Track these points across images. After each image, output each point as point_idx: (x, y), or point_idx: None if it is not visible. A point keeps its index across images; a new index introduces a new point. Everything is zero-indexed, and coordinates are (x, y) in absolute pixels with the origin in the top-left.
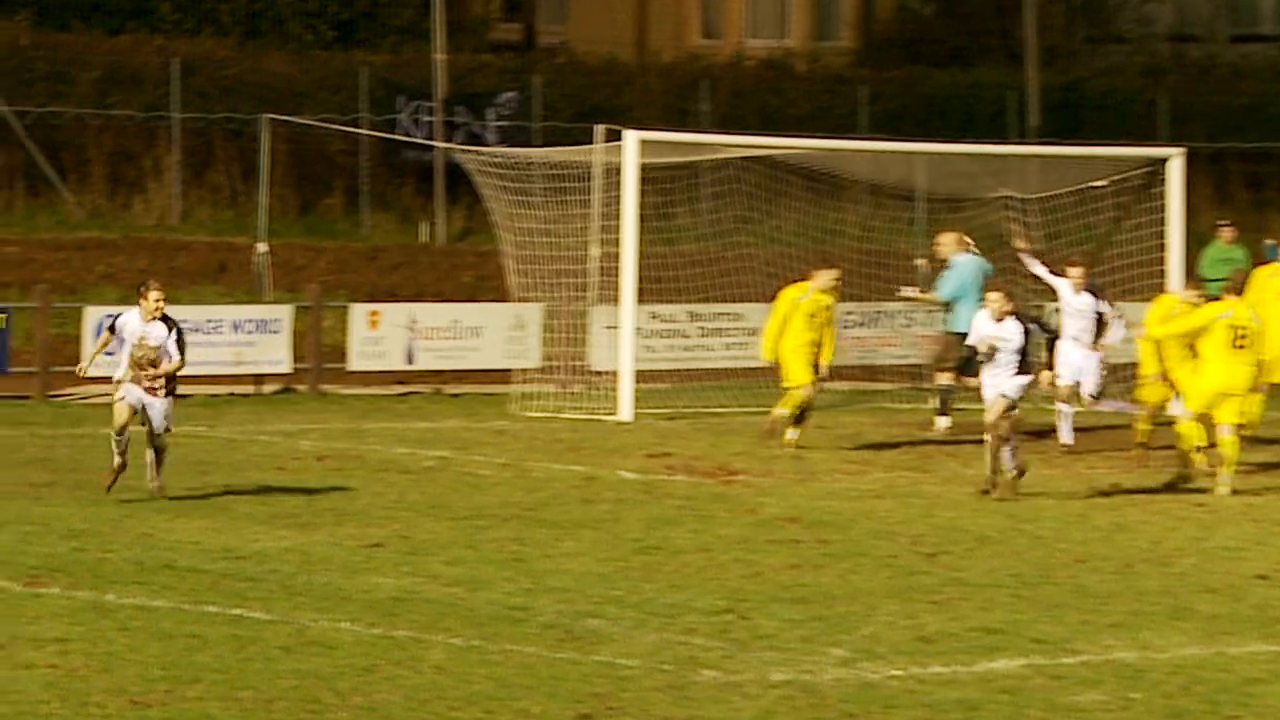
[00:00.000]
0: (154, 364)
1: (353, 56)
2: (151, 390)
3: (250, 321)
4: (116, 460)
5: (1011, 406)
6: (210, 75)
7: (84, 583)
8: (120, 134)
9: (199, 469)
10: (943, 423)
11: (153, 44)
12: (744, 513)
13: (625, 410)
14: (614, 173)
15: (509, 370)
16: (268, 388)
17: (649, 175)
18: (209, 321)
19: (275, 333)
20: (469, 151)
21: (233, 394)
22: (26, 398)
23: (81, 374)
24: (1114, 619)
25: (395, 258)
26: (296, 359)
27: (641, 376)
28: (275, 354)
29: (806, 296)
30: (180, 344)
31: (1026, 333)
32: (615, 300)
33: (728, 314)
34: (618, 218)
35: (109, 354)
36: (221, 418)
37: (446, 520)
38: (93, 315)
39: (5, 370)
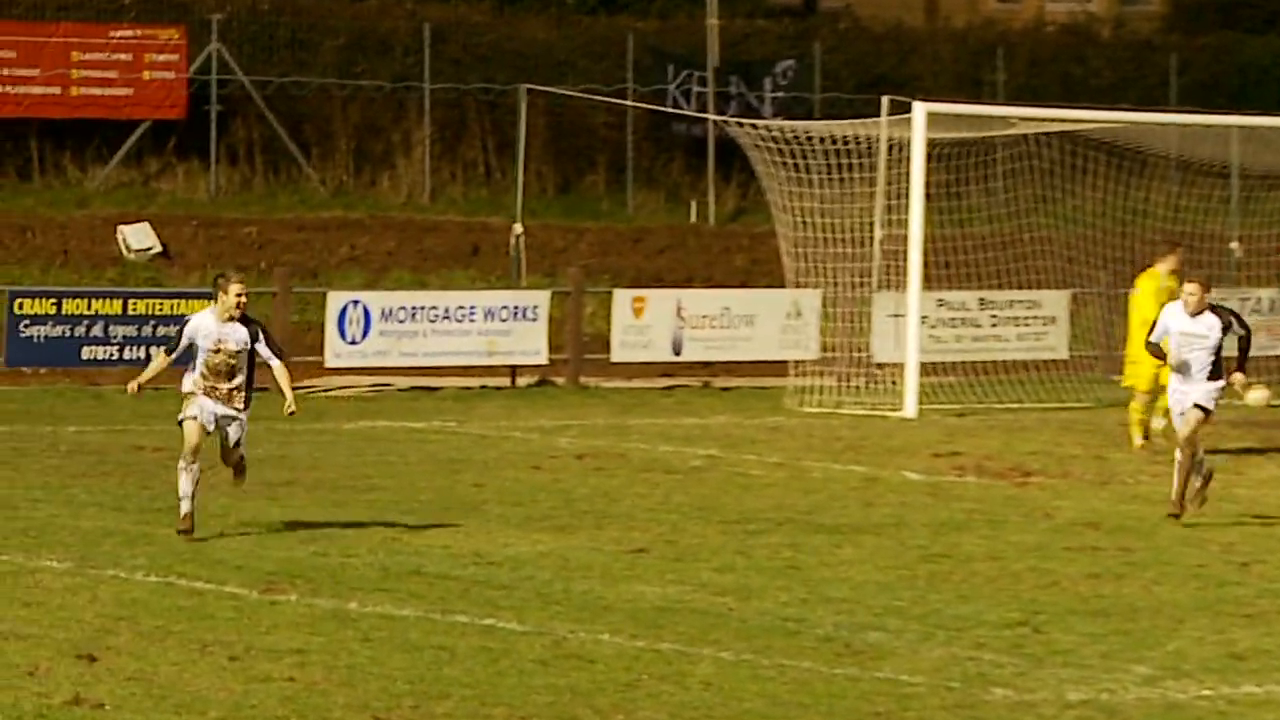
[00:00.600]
0: (232, 373)
1: (618, 22)
2: (229, 400)
3: (505, 308)
4: (185, 507)
5: (1205, 418)
6: (464, 42)
7: (324, 589)
8: (367, 105)
9: (449, 467)
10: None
11: (402, 8)
12: (1039, 517)
13: (910, 406)
14: (900, 148)
15: (784, 362)
16: (523, 380)
17: (938, 150)
18: (460, 308)
19: (532, 321)
20: (743, 124)
21: (485, 387)
22: (264, 389)
23: (132, 394)
24: None
25: (662, 240)
26: (554, 349)
27: (928, 369)
28: (531, 344)
29: (1163, 283)
30: (273, 344)
31: (1224, 329)
32: (900, 286)
33: (1023, 301)
34: (904, 197)
35: (182, 362)
36: (473, 412)
37: (715, 524)
38: (336, 300)
39: None
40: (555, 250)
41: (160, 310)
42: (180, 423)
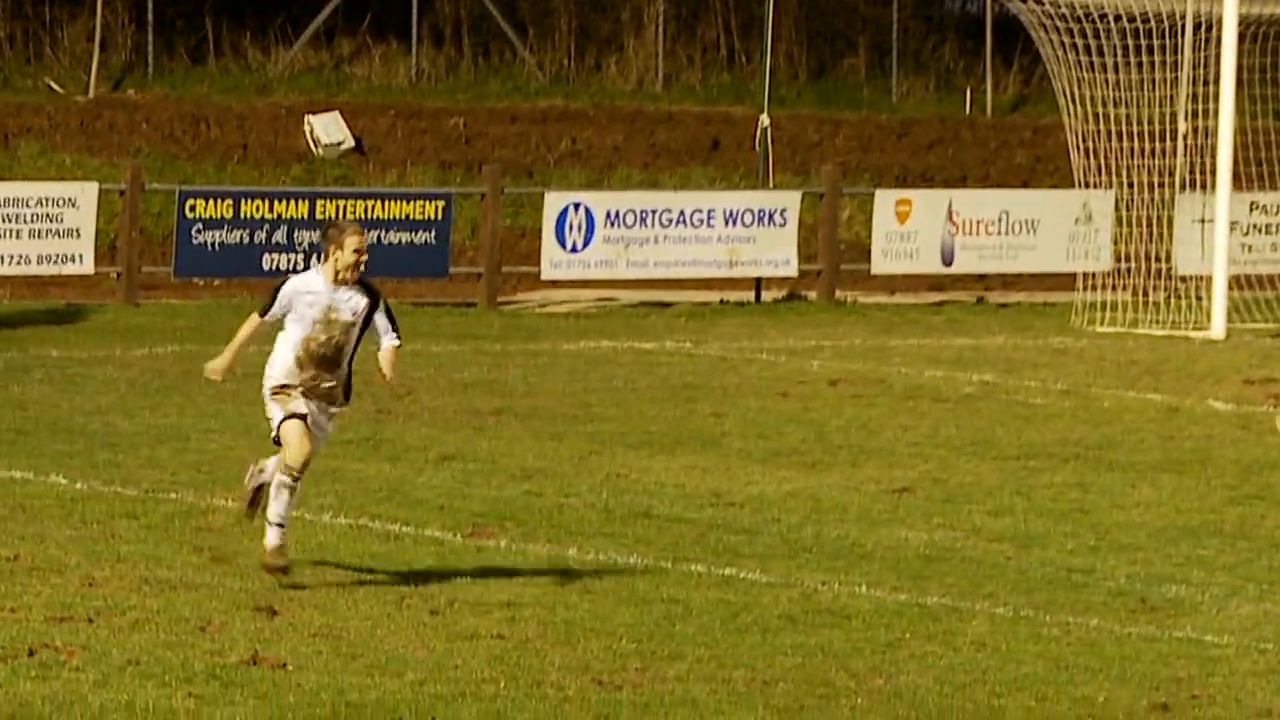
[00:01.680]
0: (338, 358)
1: None
2: (329, 402)
3: (748, 212)
4: (277, 537)
5: None
6: None
7: (539, 534)
8: None
9: (683, 394)
10: None
11: None
12: None
13: (1218, 325)
14: (1209, 26)
15: (1071, 274)
16: (769, 294)
17: (1252, 29)
18: (696, 212)
19: (780, 226)
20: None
21: (725, 301)
22: (471, 305)
23: (216, 377)
24: None
25: (931, 133)
26: (805, 259)
27: (1239, 282)
28: (779, 252)
29: None
30: (392, 319)
31: None
32: (1207, 187)
33: None
34: (1212, 83)
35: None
36: (710, 331)
37: (991, 460)
38: (554, 202)
39: (445, 272)
40: (808, 145)
41: (353, 213)
42: (278, 430)
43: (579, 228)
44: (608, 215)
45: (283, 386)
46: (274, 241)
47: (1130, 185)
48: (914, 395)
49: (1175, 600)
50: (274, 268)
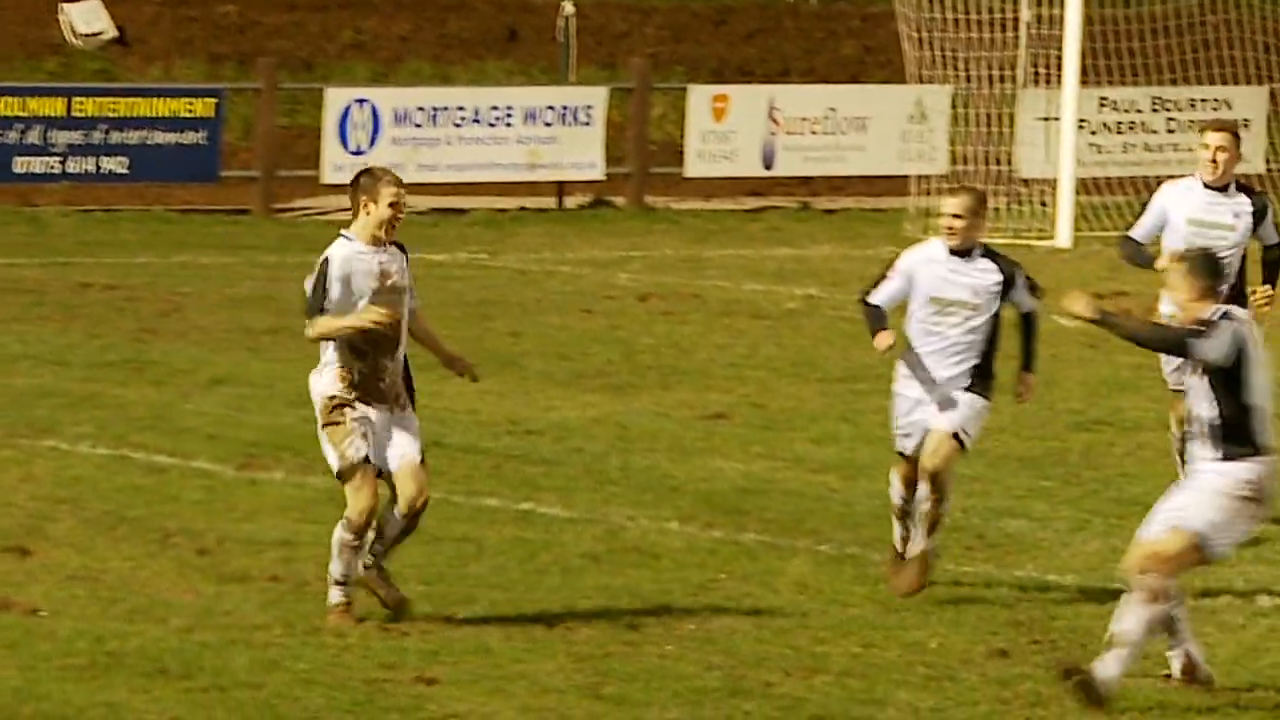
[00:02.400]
0: (398, 336)
1: None
2: (393, 388)
3: (550, 110)
4: (340, 595)
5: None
6: None
7: (318, 466)
8: None
9: (478, 311)
10: None
11: None
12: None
13: (1064, 233)
14: None
15: (904, 177)
16: (573, 200)
17: None
18: (492, 110)
19: (584, 125)
20: None
21: (525, 209)
22: (245, 212)
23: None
24: None
25: (750, 22)
26: (612, 161)
27: (1087, 186)
28: (584, 154)
29: None
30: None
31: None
32: (1053, 81)
33: (1208, 100)
34: None
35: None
36: (508, 241)
37: (814, 383)
38: (336, 99)
39: (216, 176)
40: (614, 35)
41: (114, 111)
42: (340, 476)
43: (363, 127)
44: (394, 113)
45: (336, 403)
46: (27, 142)
47: (968, 79)
48: (731, 311)
49: (1015, 536)
50: (27, 171)
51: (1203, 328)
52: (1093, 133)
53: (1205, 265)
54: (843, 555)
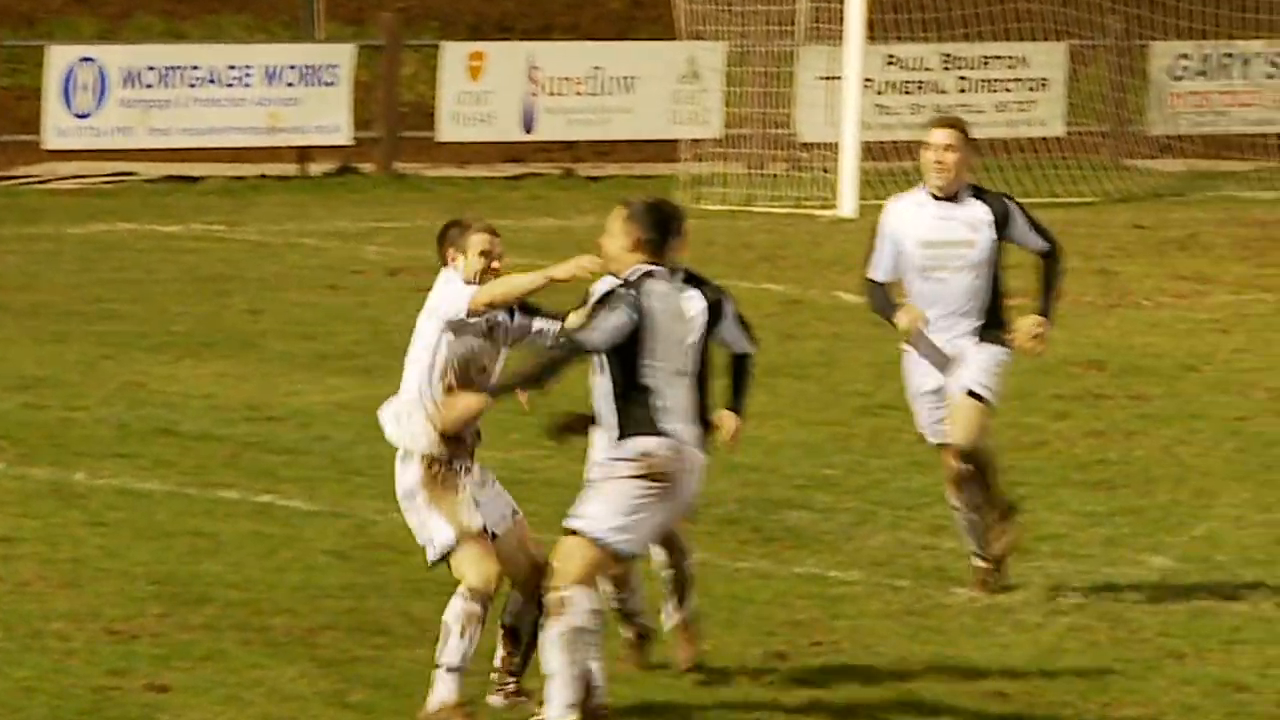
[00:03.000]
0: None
1: None
2: (472, 452)
3: (292, 69)
4: (441, 698)
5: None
6: None
7: (40, 455)
8: None
9: (213, 287)
10: None
11: None
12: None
13: (848, 202)
14: None
15: (674, 142)
16: (317, 167)
17: None
18: (230, 69)
19: (329, 85)
20: None
21: (265, 176)
22: None
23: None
24: None
25: None
26: (360, 125)
27: (871, 151)
28: (329, 117)
29: None
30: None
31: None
32: (835, 37)
33: (1002, 58)
34: None
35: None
36: (247, 211)
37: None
38: (59, 59)
39: None
40: None
41: None
42: (442, 556)
43: (89, 88)
44: (123, 73)
45: (438, 465)
46: None
47: (744, 35)
48: None
49: (795, 529)
50: None
51: (603, 303)
52: (878, 93)
53: (646, 215)
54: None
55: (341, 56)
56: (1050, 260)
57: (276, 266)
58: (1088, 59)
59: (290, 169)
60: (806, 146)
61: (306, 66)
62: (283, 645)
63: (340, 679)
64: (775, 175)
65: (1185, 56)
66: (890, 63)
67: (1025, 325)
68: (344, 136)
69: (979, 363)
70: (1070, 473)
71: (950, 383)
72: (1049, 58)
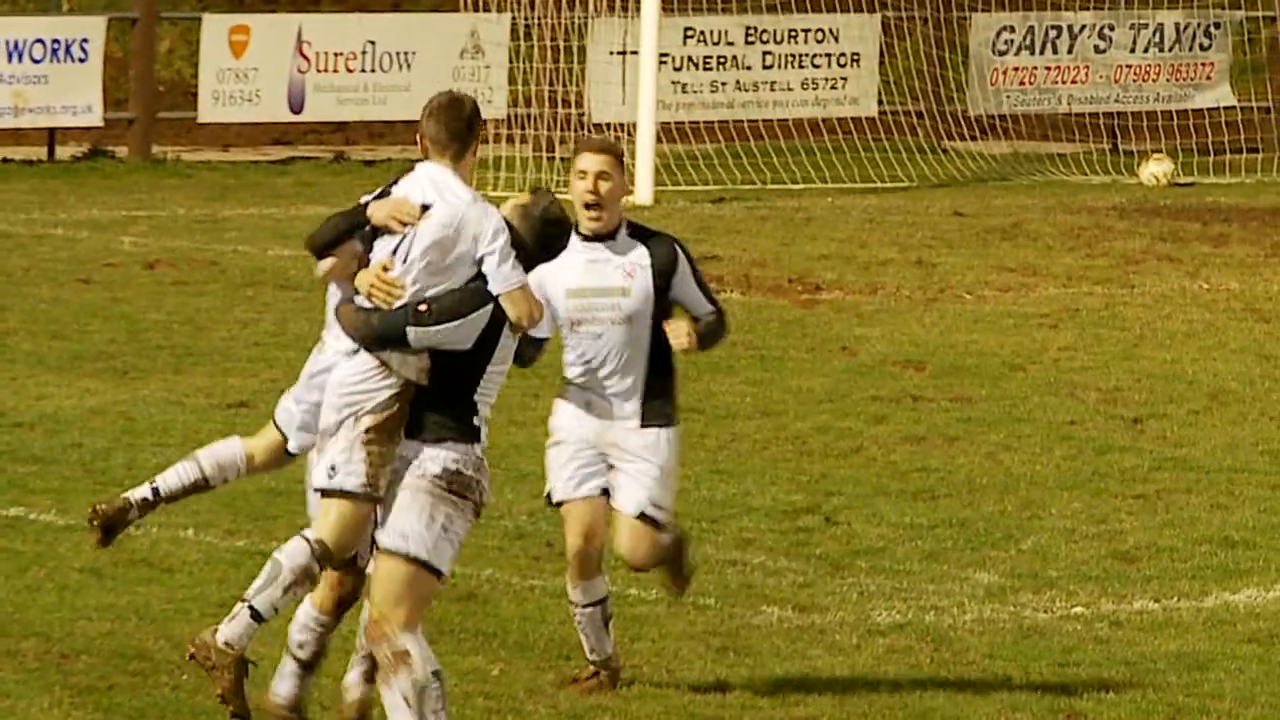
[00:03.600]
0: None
1: None
2: None
3: (38, 44)
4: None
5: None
6: None
7: None
8: None
9: None
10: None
11: None
12: (835, 352)
13: (644, 188)
14: None
15: None
16: (66, 150)
17: None
18: None
19: (79, 61)
20: None
21: (8, 160)
22: None
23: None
24: None
25: None
26: (112, 104)
27: (670, 132)
28: (79, 96)
29: None
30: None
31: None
32: (630, 8)
33: (811, 30)
34: None
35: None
36: None
37: None
38: None
39: None
40: None
41: None
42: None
43: None
44: None
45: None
46: None
47: (531, 6)
48: (255, 281)
49: None
50: None
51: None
52: (676, 69)
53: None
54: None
55: (92, 30)
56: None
57: (22, 260)
58: (903, 32)
59: (37, 152)
60: (599, 127)
61: (53, 41)
62: (34, 672)
63: (96, 708)
64: (565, 159)
65: (1008, 29)
66: (689, 36)
67: (681, 327)
68: (95, 117)
69: (646, 475)
70: (888, 482)
71: (617, 498)
72: (861, 31)
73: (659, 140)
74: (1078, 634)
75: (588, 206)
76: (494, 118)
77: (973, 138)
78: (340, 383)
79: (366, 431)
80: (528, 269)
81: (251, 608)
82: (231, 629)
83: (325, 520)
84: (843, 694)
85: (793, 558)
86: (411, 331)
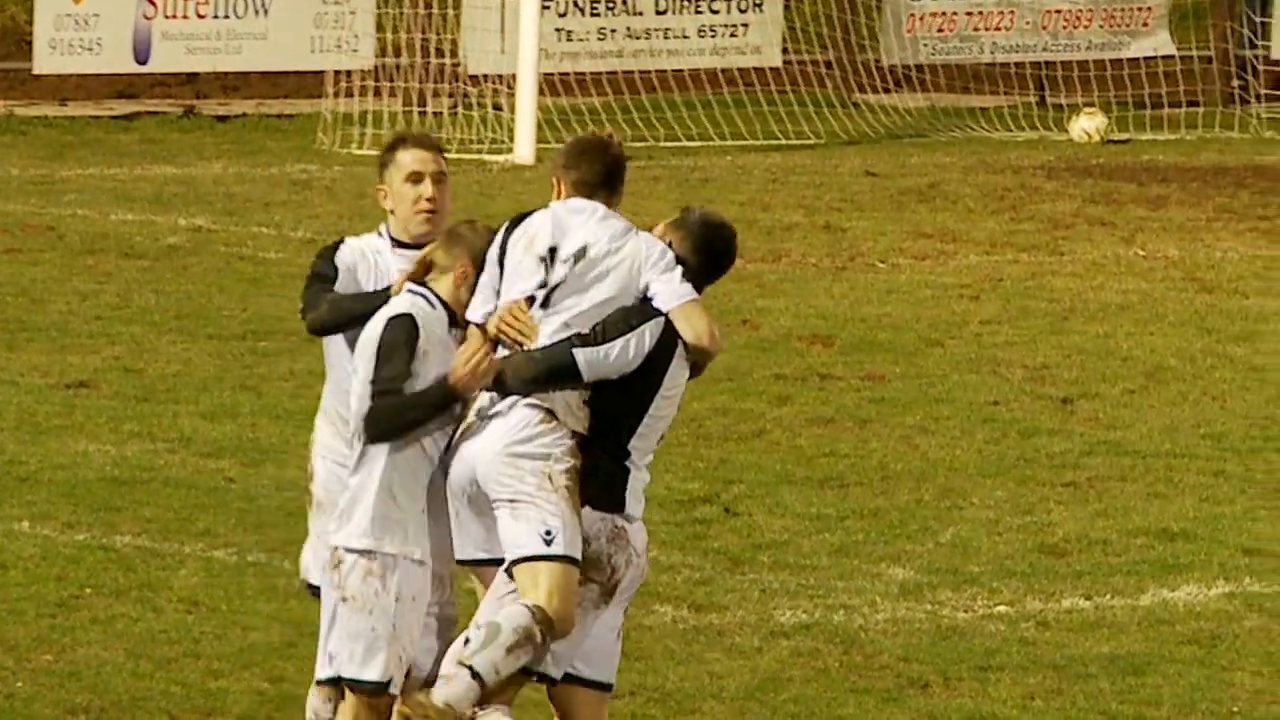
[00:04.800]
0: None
1: None
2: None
3: None
4: None
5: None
6: None
7: None
8: None
9: None
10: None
11: None
12: (734, 326)
13: (525, 145)
14: None
15: (318, 74)
16: None
17: None
18: None
19: None
20: None
21: None
22: None
23: None
24: None
25: None
26: None
27: (554, 85)
28: None
29: None
30: None
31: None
32: None
33: None
34: None
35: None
36: None
37: (205, 340)
38: None
39: None
40: None
41: None
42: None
43: None
44: None
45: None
46: None
47: None
48: (95, 249)
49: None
50: None
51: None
52: (561, 14)
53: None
54: (244, 563)
55: None
56: None
57: None
58: None
59: None
60: (475, 80)
61: None
62: None
63: None
64: (438, 114)
65: None
66: None
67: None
68: None
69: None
70: (793, 468)
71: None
72: None
73: (541, 93)
74: (1001, 635)
75: (422, 215)
76: (360, 69)
77: (886, 90)
78: (502, 451)
79: (567, 487)
80: (699, 286)
81: (471, 669)
82: (451, 690)
83: (539, 590)
84: (743, 701)
85: (689, 552)
86: (581, 354)
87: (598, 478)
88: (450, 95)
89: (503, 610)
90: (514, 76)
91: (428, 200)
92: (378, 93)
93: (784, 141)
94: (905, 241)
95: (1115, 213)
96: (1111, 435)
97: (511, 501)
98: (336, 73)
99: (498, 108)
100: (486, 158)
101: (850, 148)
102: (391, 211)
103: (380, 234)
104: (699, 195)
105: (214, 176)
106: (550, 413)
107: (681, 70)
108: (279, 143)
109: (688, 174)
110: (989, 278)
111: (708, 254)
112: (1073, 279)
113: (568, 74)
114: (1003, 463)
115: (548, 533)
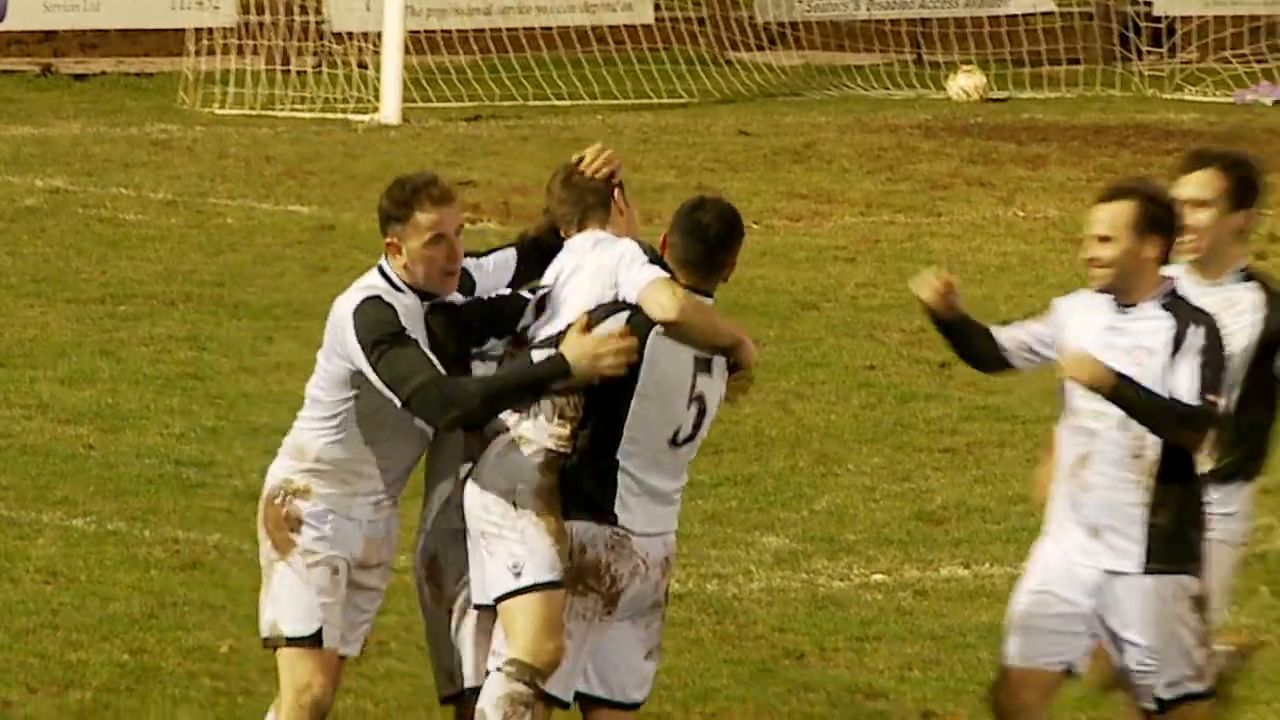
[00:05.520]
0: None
1: None
2: None
3: None
4: None
5: None
6: None
7: None
8: None
9: None
10: None
11: None
12: None
13: (391, 105)
14: None
15: (178, 31)
16: None
17: None
18: None
19: None
20: None
21: None
22: None
23: None
24: None
25: None
26: None
27: (419, 42)
28: None
29: None
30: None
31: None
32: None
33: None
34: None
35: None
36: None
37: (63, 303)
38: None
39: None
40: None
41: None
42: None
43: None
44: None
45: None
46: None
47: None
48: None
49: None
50: None
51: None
52: None
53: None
54: (104, 532)
55: None
56: None
57: None
58: None
59: None
60: (340, 37)
61: None
62: None
63: None
64: (302, 72)
65: None
66: None
67: None
68: None
69: None
70: None
71: None
72: None
73: (407, 51)
74: (878, 604)
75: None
76: (222, 26)
77: (760, 48)
78: (472, 483)
79: (536, 508)
80: (706, 274)
81: None
82: None
83: (516, 629)
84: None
85: None
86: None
87: (582, 488)
88: (314, 54)
89: (481, 693)
90: (379, 34)
91: (453, 261)
92: (240, 51)
93: (656, 100)
94: (780, 202)
95: (994, 173)
96: (990, 400)
97: (483, 535)
98: (198, 30)
99: (363, 66)
100: (351, 118)
101: (723, 106)
102: (405, 266)
103: (388, 278)
104: (569, 155)
105: (72, 137)
106: (518, 437)
107: (551, 28)
108: (139, 102)
109: (558, 133)
110: (865, 239)
111: (695, 235)
112: (951, 240)
113: (434, 32)
114: (879, 428)
115: (514, 565)
